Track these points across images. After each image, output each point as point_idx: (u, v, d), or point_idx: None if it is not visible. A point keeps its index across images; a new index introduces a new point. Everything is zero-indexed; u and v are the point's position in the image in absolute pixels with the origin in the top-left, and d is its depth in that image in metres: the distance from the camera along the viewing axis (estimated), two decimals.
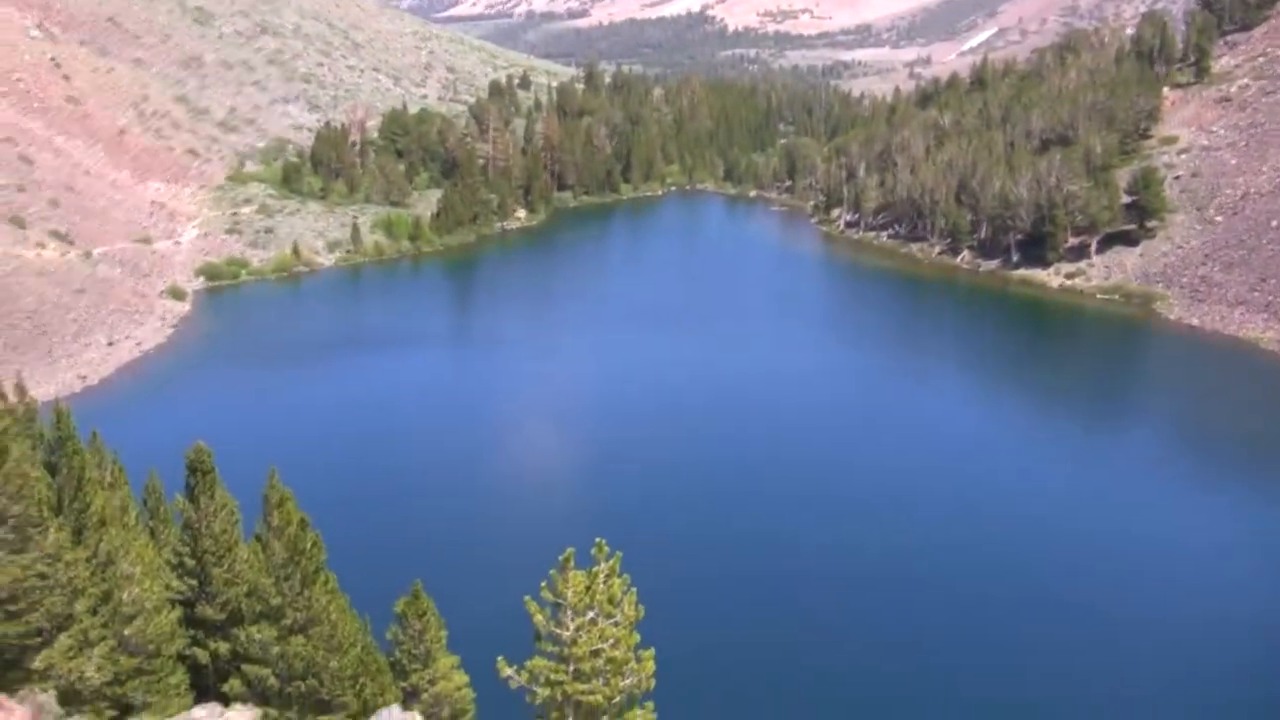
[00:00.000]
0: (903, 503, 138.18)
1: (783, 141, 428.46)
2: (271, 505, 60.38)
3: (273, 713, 56.85)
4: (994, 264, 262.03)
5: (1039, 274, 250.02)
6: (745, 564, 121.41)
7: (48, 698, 47.99)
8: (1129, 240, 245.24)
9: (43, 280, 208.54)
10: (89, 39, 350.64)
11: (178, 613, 62.77)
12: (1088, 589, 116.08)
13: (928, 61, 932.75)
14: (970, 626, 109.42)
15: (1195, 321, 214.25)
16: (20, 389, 75.28)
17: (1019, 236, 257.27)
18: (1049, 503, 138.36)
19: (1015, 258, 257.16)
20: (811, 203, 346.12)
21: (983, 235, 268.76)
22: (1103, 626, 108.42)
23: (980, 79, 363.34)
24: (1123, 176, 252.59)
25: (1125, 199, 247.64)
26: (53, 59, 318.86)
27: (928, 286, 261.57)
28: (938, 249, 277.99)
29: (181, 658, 62.64)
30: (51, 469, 62.54)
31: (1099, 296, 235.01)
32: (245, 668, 60.23)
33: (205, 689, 62.57)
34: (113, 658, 55.67)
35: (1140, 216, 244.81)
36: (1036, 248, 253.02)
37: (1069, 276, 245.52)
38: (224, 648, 62.92)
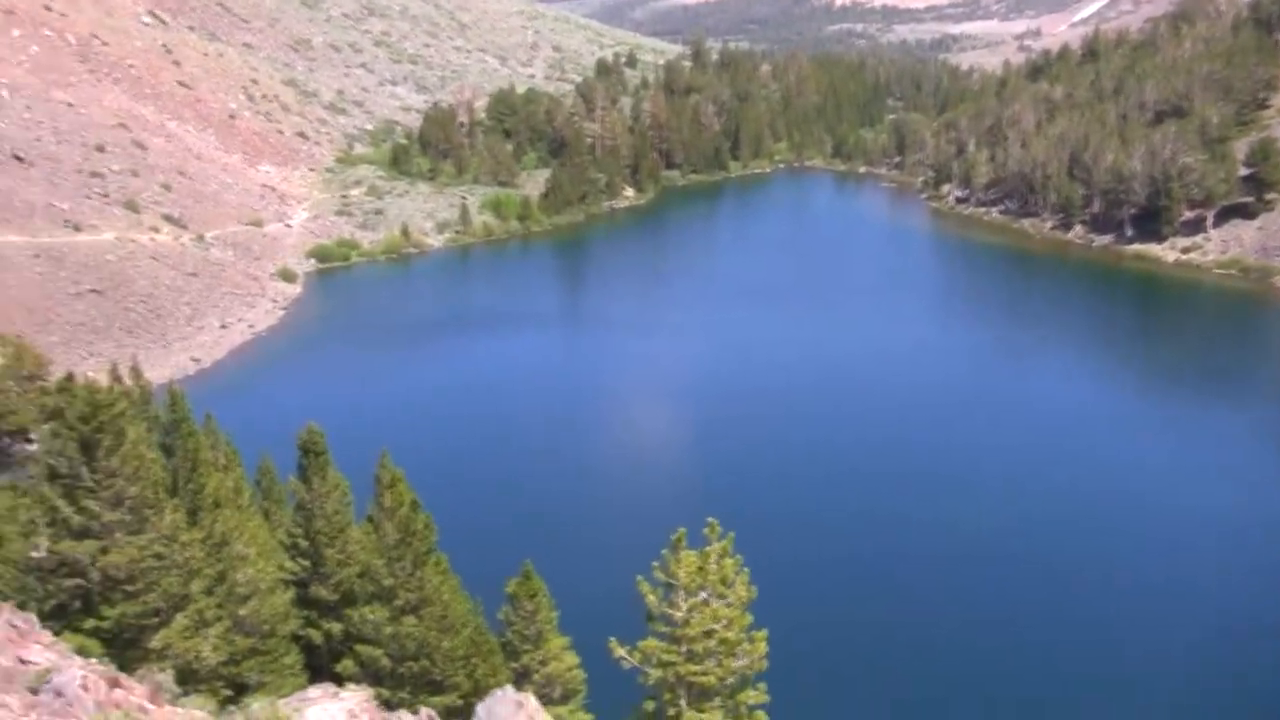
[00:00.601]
0: (1011, 480, 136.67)
1: (891, 117, 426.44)
2: (383, 486, 60.51)
3: (385, 693, 56.95)
4: (1107, 239, 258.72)
5: (1153, 249, 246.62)
6: (856, 543, 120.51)
7: (165, 677, 48.23)
8: (1246, 213, 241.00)
9: (156, 264, 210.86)
10: (199, 24, 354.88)
11: (291, 593, 63.22)
12: (1189, 567, 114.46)
13: (1038, 34, 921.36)
14: (1072, 604, 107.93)
15: None
16: (135, 372, 76.23)
17: (1133, 211, 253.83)
18: (1157, 481, 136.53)
19: (1129, 232, 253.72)
20: (921, 179, 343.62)
21: (1095, 210, 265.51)
22: (1206, 607, 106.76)
23: (1092, 50, 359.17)
24: (1240, 148, 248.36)
25: (1243, 171, 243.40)
26: (164, 45, 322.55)
27: (1039, 262, 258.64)
28: (1049, 224, 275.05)
29: (295, 638, 63.07)
30: (167, 451, 63.21)
31: (1215, 271, 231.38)
32: (358, 648, 60.47)
33: (319, 669, 62.90)
34: (228, 638, 56.08)
35: (1258, 189, 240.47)
36: (1151, 222, 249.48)
37: (1184, 251, 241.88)
38: (337, 628, 63.24)
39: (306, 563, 65.27)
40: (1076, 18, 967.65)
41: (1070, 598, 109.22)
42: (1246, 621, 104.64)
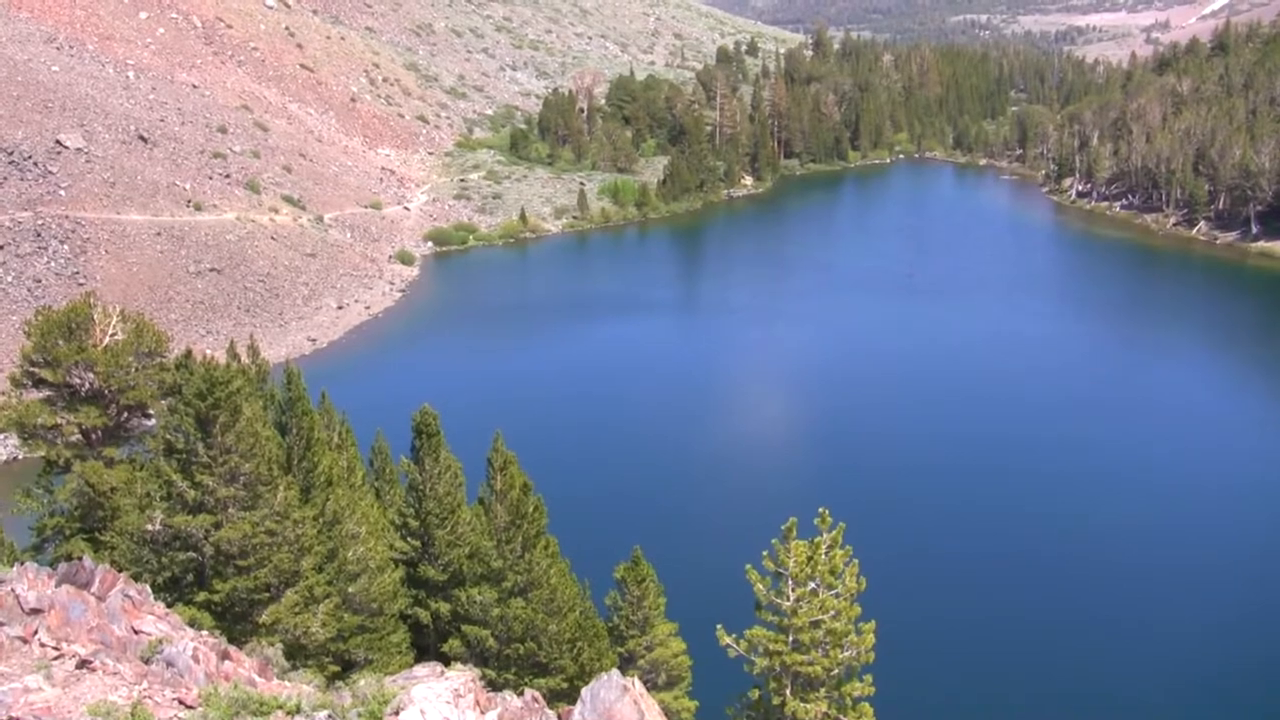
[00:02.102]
0: (1126, 478, 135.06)
1: (1014, 109, 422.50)
2: (495, 469, 60.76)
3: (491, 674, 57.22)
4: (1232, 236, 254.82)
5: (1279, 247, 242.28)
6: (971, 538, 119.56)
7: (274, 651, 48.78)
8: None
9: (275, 244, 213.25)
10: (322, 8, 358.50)
11: (400, 572, 63.62)
12: None
13: (1166, 26, 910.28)
14: (1196, 609, 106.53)
15: None
16: (253, 350, 76.80)
17: (1259, 207, 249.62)
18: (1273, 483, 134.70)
19: (1255, 229, 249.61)
20: (1042, 172, 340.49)
21: (1220, 206, 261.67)
22: None
23: (1222, 43, 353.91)
24: None
25: None
26: (287, 28, 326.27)
27: (1162, 258, 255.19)
28: (1173, 220, 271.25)
29: (403, 617, 63.51)
30: (282, 429, 63.69)
31: None
32: (465, 628, 60.78)
33: (425, 648, 63.35)
34: (337, 614, 56.53)
35: None
36: (1277, 220, 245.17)
37: None
38: (445, 608, 63.56)
39: (416, 543, 65.69)
40: (1206, 10, 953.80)
41: (1196, 604, 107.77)
42: None
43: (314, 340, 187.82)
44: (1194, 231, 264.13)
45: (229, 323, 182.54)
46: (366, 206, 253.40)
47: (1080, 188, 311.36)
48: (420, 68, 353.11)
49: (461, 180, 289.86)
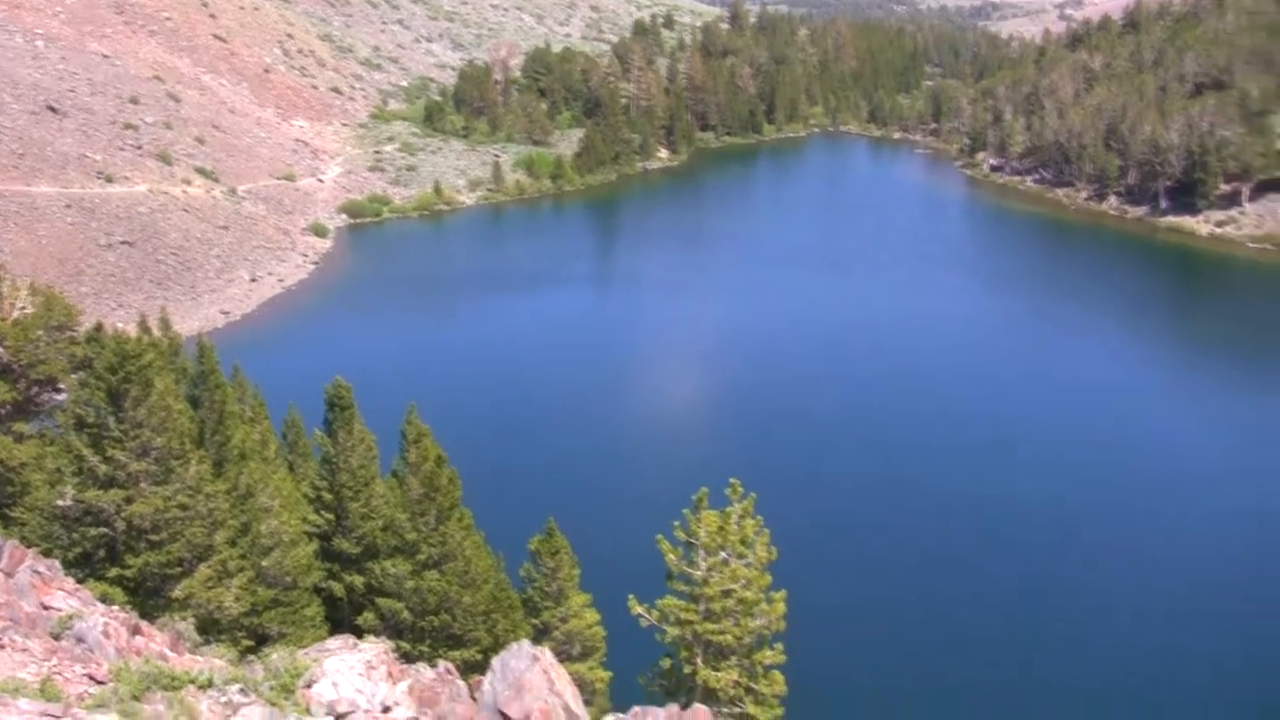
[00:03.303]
0: (1041, 450, 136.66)
1: (928, 84, 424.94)
2: (409, 441, 60.90)
3: (405, 646, 57.40)
4: (1141, 210, 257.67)
5: (1188, 221, 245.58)
6: (880, 509, 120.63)
7: (186, 626, 48.60)
8: None
9: (188, 216, 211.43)
10: None
11: (314, 546, 63.61)
12: (1217, 540, 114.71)
13: (1079, 3, 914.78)
14: (1095, 574, 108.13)
15: None
16: (165, 323, 76.44)
17: (1168, 183, 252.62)
18: (1190, 453, 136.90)
19: (1164, 204, 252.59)
20: (957, 146, 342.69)
21: (1131, 181, 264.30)
22: (1231, 577, 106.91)
23: (1133, 21, 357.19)
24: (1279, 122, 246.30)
25: None
26: None
27: (1073, 232, 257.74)
28: (1084, 194, 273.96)
29: (317, 590, 63.50)
30: (194, 402, 63.43)
31: (1250, 245, 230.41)
32: (379, 601, 60.90)
33: (340, 622, 63.36)
34: (251, 588, 56.44)
35: None
36: (1186, 195, 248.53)
37: (1219, 225, 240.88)
38: (359, 581, 63.66)
39: (330, 516, 65.67)
40: None
41: (1095, 568, 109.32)
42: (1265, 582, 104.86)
43: (227, 313, 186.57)
44: (1105, 206, 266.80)
45: (140, 296, 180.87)
46: (280, 178, 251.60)
47: (994, 162, 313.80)
48: (335, 39, 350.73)
49: (376, 152, 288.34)
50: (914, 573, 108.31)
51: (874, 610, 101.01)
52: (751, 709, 54.00)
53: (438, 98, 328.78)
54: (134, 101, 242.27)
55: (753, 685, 54.09)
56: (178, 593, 53.13)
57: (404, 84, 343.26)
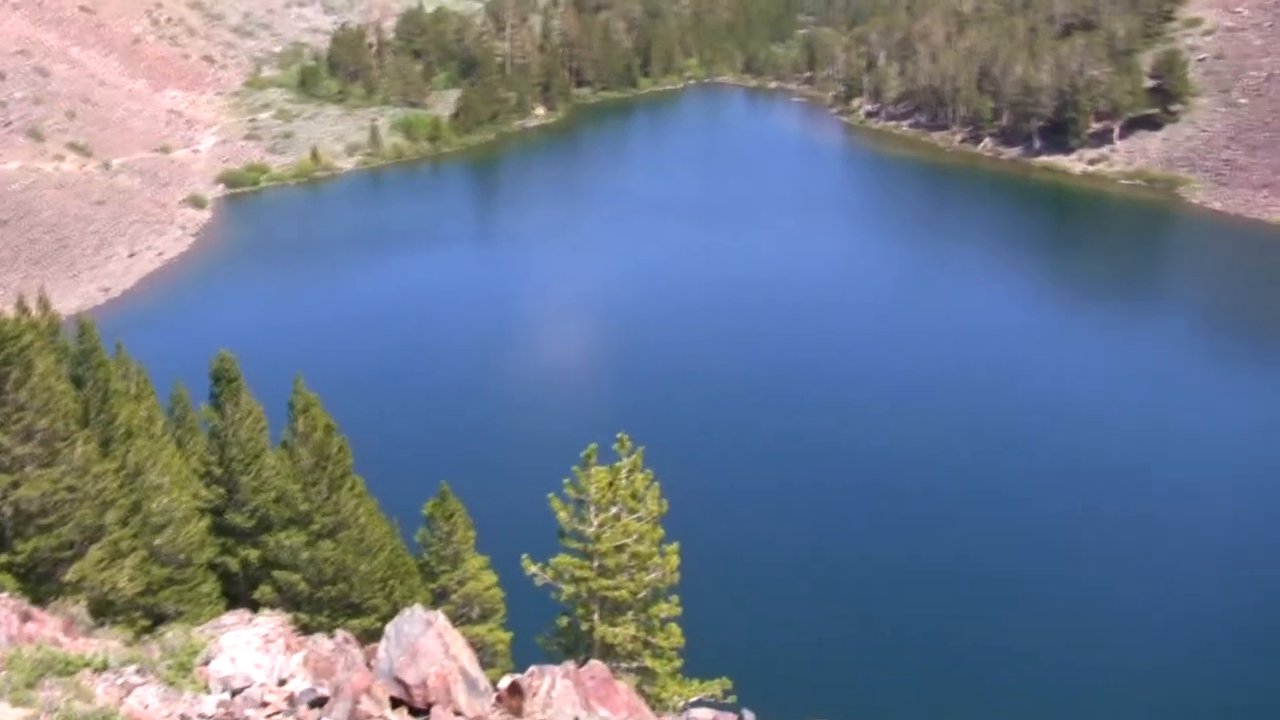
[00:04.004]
0: (925, 392, 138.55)
1: (802, 32, 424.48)
2: (297, 411, 60.67)
3: (303, 617, 57.25)
4: (1016, 151, 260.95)
5: (1061, 160, 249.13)
6: (768, 458, 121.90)
7: (80, 609, 48.14)
8: (1152, 125, 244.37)
9: (62, 193, 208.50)
10: None
11: (207, 521, 63.19)
12: (1100, 467, 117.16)
13: None
14: (988, 518, 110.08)
15: (1219, 206, 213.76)
16: (43, 303, 75.30)
17: (1041, 123, 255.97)
18: (1071, 386, 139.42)
19: (1037, 145, 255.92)
20: (832, 93, 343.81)
21: (1004, 123, 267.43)
22: (1130, 512, 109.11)
23: None
24: (1146, 60, 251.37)
25: (1148, 83, 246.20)
26: None
27: (950, 175, 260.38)
28: (959, 137, 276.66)
29: (212, 566, 63.11)
30: (77, 382, 62.70)
31: (1122, 182, 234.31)
32: (275, 574, 60.71)
33: (236, 597, 63.07)
34: (144, 568, 56.00)
35: (1164, 100, 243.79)
36: (1059, 134, 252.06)
37: (1092, 163, 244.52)
38: (254, 555, 63.36)
39: (221, 490, 65.24)
40: None
41: (983, 507, 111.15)
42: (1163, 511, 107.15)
43: (107, 290, 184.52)
44: (980, 148, 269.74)
45: (16, 276, 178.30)
46: (155, 150, 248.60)
47: (869, 108, 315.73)
48: (205, 6, 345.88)
49: (251, 120, 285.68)
50: (802, 519, 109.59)
51: (764, 557, 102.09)
52: (650, 662, 54.40)
53: (312, 63, 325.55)
54: (0, 77, 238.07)
55: (650, 639, 54.47)
56: (70, 576, 52.67)
57: (277, 50, 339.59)
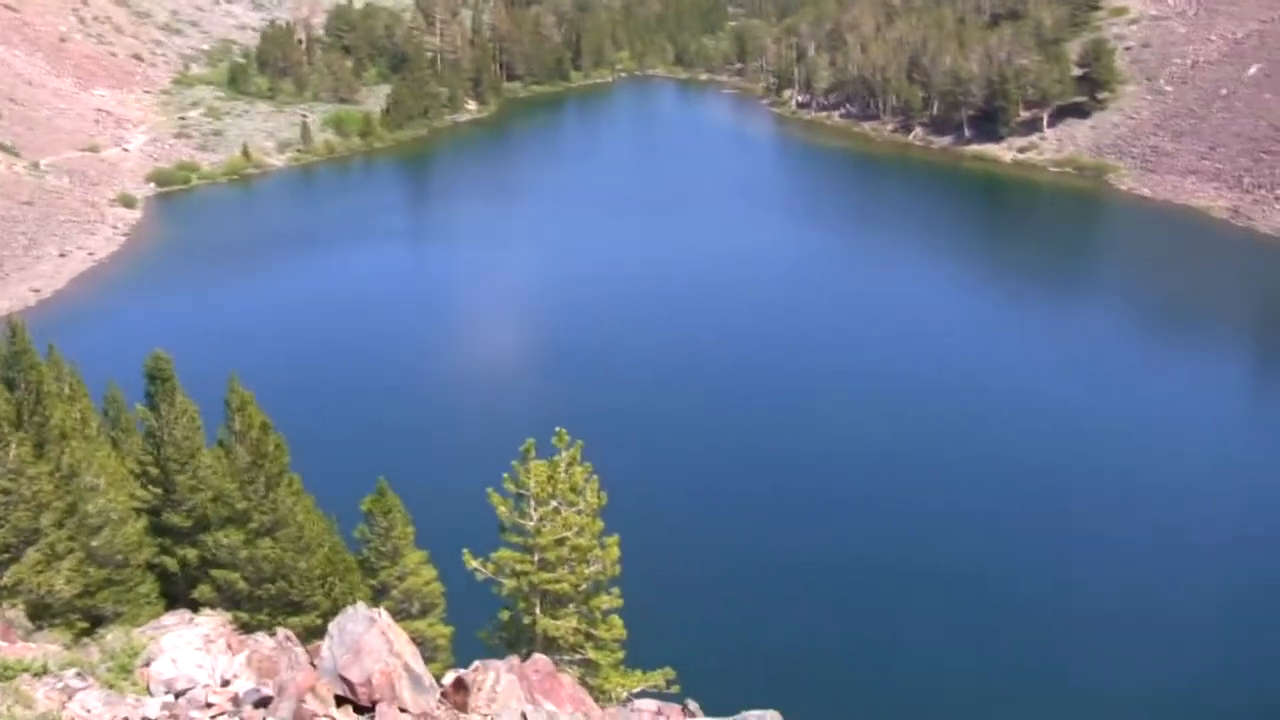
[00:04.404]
0: (859, 381, 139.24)
1: (732, 24, 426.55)
2: (233, 409, 60.39)
3: (244, 616, 57.08)
4: (947, 140, 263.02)
5: (992, 149, 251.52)
6: (703, 449, 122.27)
7: (17, 613, 47.89)
8: (1080, 112, 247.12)
9: None
10: None
11: (144, 522, 62.79)
12: (1039, 453, 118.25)
13: None
14: (925, 496, 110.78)
15: (1147, 192, 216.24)
16: None
17: (971, 112, 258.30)
18: (1006, 370, 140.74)
19: (968, 133, 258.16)
20: (763, 84, 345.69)
21: (935, 112, 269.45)
22: (1062, 492, 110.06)
23: None
24: (1073, 49, 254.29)
25: (1076, 71, 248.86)
26: None
27: (882, 165, 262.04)
28: (890, 127, 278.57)
29: (150, 566, 62.75)
30: (9, 384, 62.20)
31: (1052, 170, 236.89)
32: (214, 573, 60.46)
33: (175, 596, 62.77)
34: (81, 570, 55.68)
35: (1091, 88, 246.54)
36: (989, 123, 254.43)
37: (1021, 151, 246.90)
38: (192, 554, 63.06)
39: (158, 490, 64.88)
40: None
41: (918, 494, 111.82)
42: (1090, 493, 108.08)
43: (37, 291, 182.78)
44: (910, 137, 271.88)
45: None
46: (84, 150, 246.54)
47: (800, 99, 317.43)
48: (132, 4, 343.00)
49: (181, 118, 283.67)
50: (739, 509, 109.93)
51: (703, 549, 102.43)
52: (592, 654, 54.63)
53: (241, 60, 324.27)
54: None
55: (592, 631, 54.69)
56: (6, 579, 52.34)
57: (206, 47, 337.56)
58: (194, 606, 54.84)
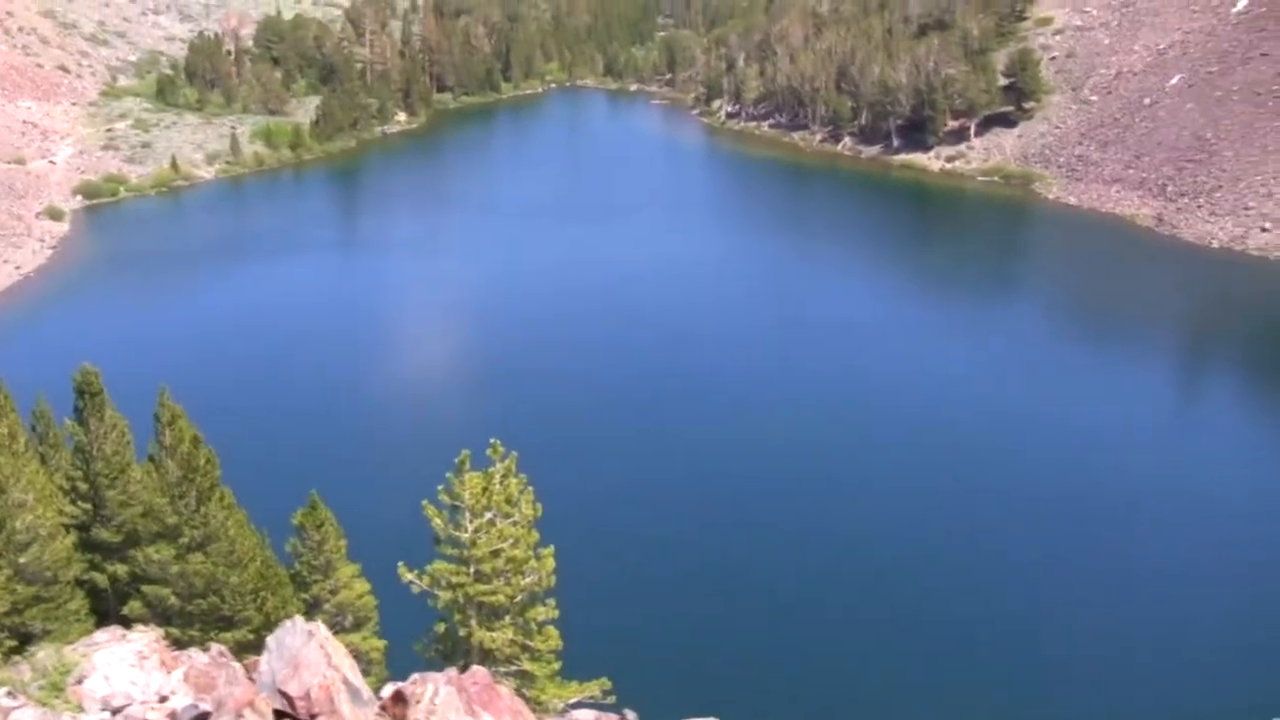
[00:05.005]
0: (792, 388, 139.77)
1: (662, 34, 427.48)
2: (163, 424, 59.89)
3: (175, 632, 56.65)
4: (875, 149, 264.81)
5: (920, 158, 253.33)
6: (636, 460, 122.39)
7: None
8: (1007, 122, 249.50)
9: None
10: None
11: (73, 538, 62.13)
12: (964, 452, 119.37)
13: None
14: (853, 506, 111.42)
15: (1073, 200, 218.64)
16: None
17: (899, 122, 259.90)
18: (936, 377, 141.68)
19: (896, 143, 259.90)
20: (693, 95, 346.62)
21: (863, 122, 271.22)
22: (995, 500, 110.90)
23: None
24: (1000, 59, 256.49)
25: (1003, 81, 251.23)
26: None
27: (811, 174, 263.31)
28: (819, 137, 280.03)
29: (80, 583, 62.08)
30: None
31: (979, 178, 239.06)
32: (145, 589, 59.91)
33: (106, 613, 62.21)
34: (9, 587, 55.09)
35: (1018, 98, 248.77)
36: (917, 132, 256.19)
37: (949, 160, 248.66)
38: (122, 570, 62.46)
39: (88, 505, 64.26)
40: None
41: (852, 500, 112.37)
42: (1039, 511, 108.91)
43: None
44: (839, 147, 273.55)
45: None
46: (9, 162, 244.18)
47: (730, 109, 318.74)
48: (57, 14, 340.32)
49: (109, 130, 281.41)
50: (674, 519, 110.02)
51: (638, 560, 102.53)
52: (528, 665, 54.62)
53: (169, 71, 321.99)
54: None
55: (528, 643, 54.69)
56: None
57: (133, 59, 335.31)
58: (125, 623, 54.45)
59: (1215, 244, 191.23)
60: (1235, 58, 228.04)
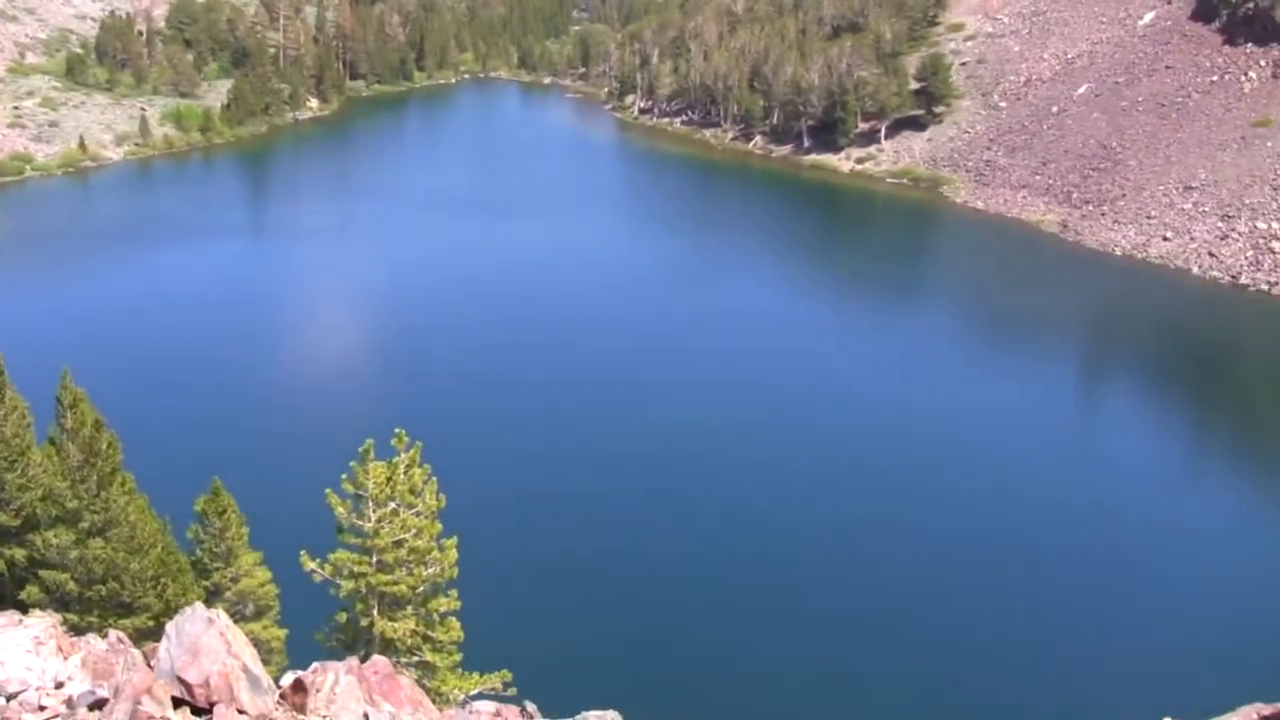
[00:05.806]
0: (700, 386, 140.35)
1: (577, 29, 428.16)
2: (65, 407, 59.35)
3: (74, 618, 56.20)
4: (786, 149, 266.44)
5: (830, 159, 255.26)
6: (541, 452, 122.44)
7: None
8: (917, 125, 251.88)
9: None
10: None
11: None
12: (883, 458, 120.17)
13: None
14: (755, 503, 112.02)
15: (981, 204, 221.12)
16: None
17: (810, 122, 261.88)
18: (844, 378, 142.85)
19: (807, 143, 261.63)
20: (606, 90, 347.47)
21: (775, 121, 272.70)
22: (914, 499, 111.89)
23: None
24: (911, 63, 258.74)
25: (914, 85, 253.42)
26: None
27: (722, 172, 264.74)
28: (731, 135, 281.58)
29: None
30: None
31: (889, 180, 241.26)
32: (43, 574, 59.40)
33: (2, 598, 61.64)
34: None
35: (928, 102, 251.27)
36: (828, 133, 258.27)
37: (859, 161, 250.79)
38: (20, 554, 61.89)
39: None
40: None
41: (756, 498, 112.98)
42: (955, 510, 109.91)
43: None
44: (751, 145, 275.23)
45: None
46: None
47: (642, 105, 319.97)
48: None
49: (15, 108, 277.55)
50: (577, 512, 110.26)
51: (541, 552, 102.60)
52: (430, 656, 54.61)
53: (79, 50, 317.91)
54: None
55: (430, 633, 54.66)
56: None
57: (43, 36, 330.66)
58: (22, 608, 53.91)
59: (1118, 251, 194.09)
60: (1141, 69, 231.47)
